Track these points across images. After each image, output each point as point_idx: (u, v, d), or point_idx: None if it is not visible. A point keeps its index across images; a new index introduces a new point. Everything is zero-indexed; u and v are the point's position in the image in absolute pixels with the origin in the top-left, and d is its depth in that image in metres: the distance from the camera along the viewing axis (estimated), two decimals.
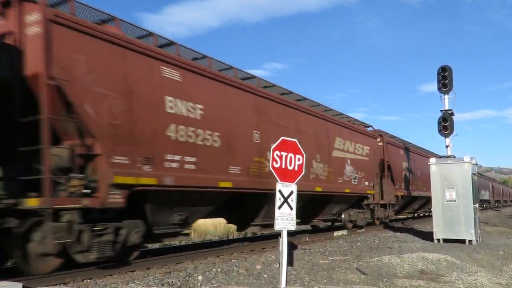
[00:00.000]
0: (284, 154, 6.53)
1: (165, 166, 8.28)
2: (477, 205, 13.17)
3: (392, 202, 19.90)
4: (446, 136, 14.35)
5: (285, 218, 6.45)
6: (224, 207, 10.59)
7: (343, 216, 16.82)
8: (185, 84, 8.95)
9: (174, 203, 8.76)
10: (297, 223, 16.26)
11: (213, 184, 9.35)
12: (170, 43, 9.59)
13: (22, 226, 6.86)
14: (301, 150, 6.83)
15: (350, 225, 17.22)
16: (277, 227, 6.41)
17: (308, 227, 17.50)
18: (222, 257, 9.89)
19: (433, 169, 12.95)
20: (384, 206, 19.38)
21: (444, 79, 14.32)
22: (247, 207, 11.39)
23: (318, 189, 13.39)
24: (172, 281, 6.73)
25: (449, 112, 14.36)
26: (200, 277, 7.10)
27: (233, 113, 10.22)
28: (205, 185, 9.14)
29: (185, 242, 13.35)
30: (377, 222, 19.33)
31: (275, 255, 9.24)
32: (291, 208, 6.52)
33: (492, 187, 52.31)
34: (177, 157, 8.52)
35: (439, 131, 14.40)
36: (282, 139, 6.60)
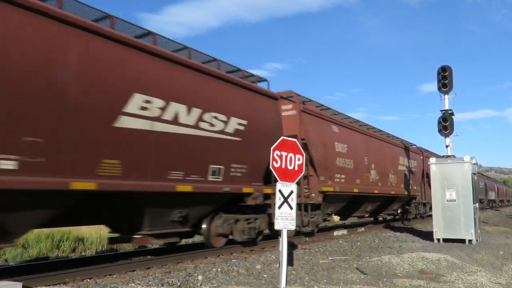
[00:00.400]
0: (284, 154, 6.53)
1: (335, 181, 14.29)
2: (477, 205, 13.17)
3: (430, 201, 25.33)
4: (446, 136, 14.34)
5: (285, 218, 6.44)
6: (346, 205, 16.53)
7: (399, 211, 22.87)
8: (340, 134, 15.24)
9: (332, 201, 14.57)
10: (367, 217, 22.28)
11: (350, 190, 15.32)
12: (304, 98, 14.79)
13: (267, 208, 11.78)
14: (301, 150, 6.84)
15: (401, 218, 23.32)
16: (277, 226, 6.40)
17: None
18: (222, 257, 9.89)
19: (433, 169, 12.95)
20: (424, 204, 24.62)
21: (444, 79, 14.31)
22: (352, 204, 16.90)
23: (392, 192, 19.42)
24: (172, 281, 6.73)
25: (449, 112, 14.35)
26: (200, 277, 7.10)
27: (357, 147, 16.39)
28: (349, 191, 15.33)
29: (185, 242, 13.37)
30: (418, 216, 24.24)
31: (275, 255, 9.25)
32: (291, 208, 6.51)
33: (497, 188, 57.32)
34: (338, 175, 14.55)
35: (439, 131, 14.40)
36: (282, 139, 6.60)
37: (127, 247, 13.37)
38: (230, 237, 10.79)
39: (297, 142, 6.82)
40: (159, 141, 7.93)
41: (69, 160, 6.54)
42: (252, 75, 11.49)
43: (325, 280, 6.91)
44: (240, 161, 10.03)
